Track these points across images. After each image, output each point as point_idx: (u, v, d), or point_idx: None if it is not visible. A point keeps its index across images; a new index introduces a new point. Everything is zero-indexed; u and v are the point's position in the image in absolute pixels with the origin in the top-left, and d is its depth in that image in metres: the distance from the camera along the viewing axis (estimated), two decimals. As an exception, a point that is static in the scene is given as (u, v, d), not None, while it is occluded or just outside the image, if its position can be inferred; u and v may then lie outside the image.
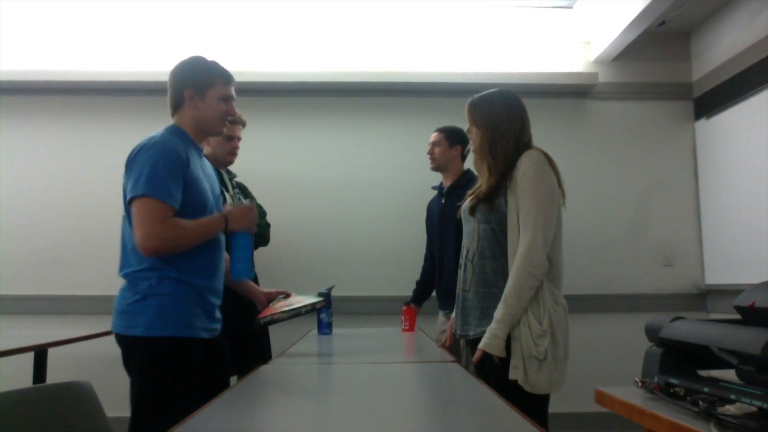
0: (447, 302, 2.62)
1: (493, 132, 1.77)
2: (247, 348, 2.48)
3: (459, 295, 1.86)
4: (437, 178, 2.86)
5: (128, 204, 1.53)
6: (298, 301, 1.92)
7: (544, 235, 1.63)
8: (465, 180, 2.68)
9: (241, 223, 1.68)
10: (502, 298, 1.63)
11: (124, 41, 3.56)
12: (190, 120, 1.67)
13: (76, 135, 3.53)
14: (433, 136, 2.74)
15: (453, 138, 2.70)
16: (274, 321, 1.87)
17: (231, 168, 2.62)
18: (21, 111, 3.53)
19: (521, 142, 1.77)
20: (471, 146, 1.89)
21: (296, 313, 1.89)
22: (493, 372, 1.69)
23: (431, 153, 2.73)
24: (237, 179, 2.68)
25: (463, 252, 1.87)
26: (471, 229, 1.83)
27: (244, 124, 2.54)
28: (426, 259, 2.90)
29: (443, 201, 2.69)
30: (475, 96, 1.87)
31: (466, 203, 1.88)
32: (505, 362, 1.63)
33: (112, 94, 3.55)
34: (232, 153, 2.50)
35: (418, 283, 2.88)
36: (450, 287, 2.57)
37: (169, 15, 3.53)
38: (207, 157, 2.42)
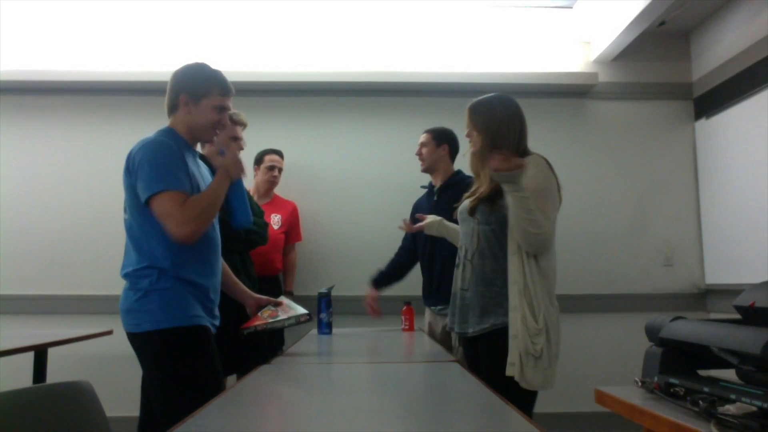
0: (439, 299, 2.63)
1: (493, 136, 1.80)
2: (245, 348, 2.48)
3: (456, 293, 1.89)
4: (437, 177, 2.87)
5: (145, 204, 1.56)
6: (286, 311, 1.91)
7: (552, 232, 1.70)
8: (456, 179, 2.71)
9: (237, 170, 1.73)
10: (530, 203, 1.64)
11: (123, 41, 3.56)
12: (183, 123, 1.71)
13: (76, 135, 3.53)
14: (422, 138, 2.79)
15: (440, 138, 2.74)
16: (257, 332, 1.86)
17: None
18: (21, 111, 3.53)
19: (520, 147, 1.81)
20: (470, 149, 1.90)
21: (280, 326, 1.88)
22: (486, 368, 1.72)
23: (419, 154, 2.77)
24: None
25: (461, 252, 1.90)
26: (470, 229, 1.85)
27: (244, 126, 2.55)
28: (398, 255, 2.90)
29: (435, 199, 2.71)
30: (474, 100, 1.88)
31: (465, 204, 1.90)
32: (499, 359, 1.66)
33: (112, 94, 3.55)
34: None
35: (382, 273, 2.86)
36: (444, 284, 2.57)
37: (170, 15, 3.53)
38: (210, 155, 2.45)
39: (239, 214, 1.82)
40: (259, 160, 3.18)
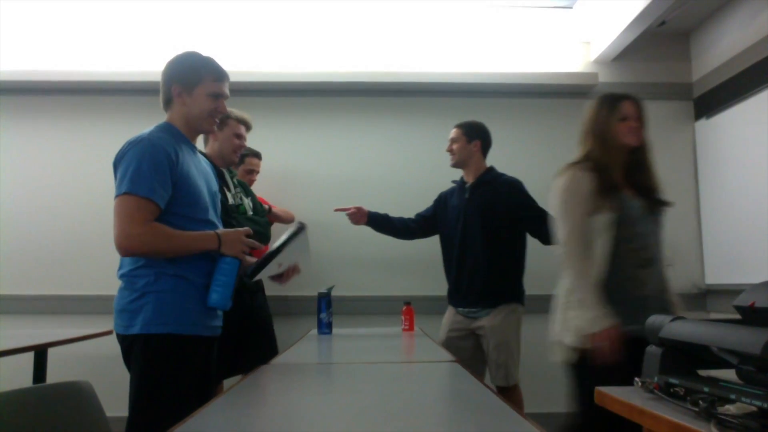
0: (468, 300, 2.59)
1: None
2: (249, 347, 2.48)
3: (653, 296, 1.77)
4: (439, 177, 2.86)
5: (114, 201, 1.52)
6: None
7: None
8: (490, 177, 2.66)
9: (234, 248, 1.62)
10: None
11: (123, 41, 3.56)
12: (179, 116, 1.66)
13: (76, 135, 3.53)
14: (452, 132, 2.72)
15: (471, 133, 2.68)
16: (260, 269, 1.72)
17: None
18: (21, 111, 3.53)
19: None
20: (629, 139, 1.86)
21: (280, 248, 1.76)
22: None
23: (450, 150, 2.71)
24: (238, 177, 2.68)
25: (647, 252, 1.81)
26: (652, 228, 1.89)
27: (249, 128, 2.55)
28: (412, 221, 2.86)
29: (467, 196, 2.65)
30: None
31: (635, 203, 1.85)
32: None
33: (111, 94, 3.54)
34: (237, 151, 2.51)
35: (387, 217, 2.84)
36: (475, 285, 2.55)
37: (169, 15, 3.53)
38: (212, 154, 2.44)
39: (216, 293, 1.59)
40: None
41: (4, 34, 3.52)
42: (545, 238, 2.51)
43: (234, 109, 2.51)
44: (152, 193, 1.48)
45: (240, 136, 2.49)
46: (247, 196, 2.65)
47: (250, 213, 2.57)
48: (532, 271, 3.13)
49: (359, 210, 2.77)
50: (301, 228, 1.72)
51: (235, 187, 2.55)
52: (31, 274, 3.40)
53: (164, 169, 1.52)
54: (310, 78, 3.50)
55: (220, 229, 1.66)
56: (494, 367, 2.52)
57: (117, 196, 1.50)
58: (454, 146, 2.69)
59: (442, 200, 2.82)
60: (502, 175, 2.69)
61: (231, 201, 2.44)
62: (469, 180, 2.69)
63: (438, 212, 2.81)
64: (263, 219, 2.69)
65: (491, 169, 2.70)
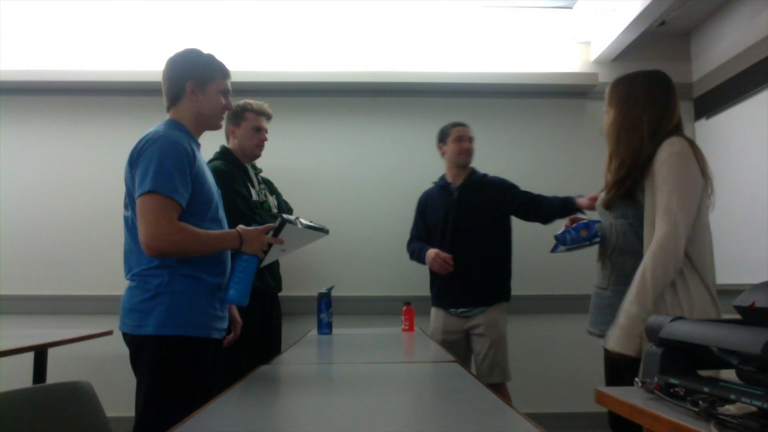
0: (463, 299, 2.60)
1: (624, 114, 1.63)
2: (267, 346, 2.50)
3: (595, 292, 1.79)
4: (436, 177, 2.86)
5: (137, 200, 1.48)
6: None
7: (684, 227, 1.55)
8: (477, 178, 2.70)
9: (255, 246, 1.62)
10: (635, 293, 1.50)
11: (123, 41, 3.56)
12: (189, 113, 1.63)
13: (76, 135, 3.53)
14: (470, 131, 2.72)
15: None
16: (290, 221, 1.70)
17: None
18: (21, 111, 3.53)
19: (661, 129, 1.60)
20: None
21: (308, 226, 1.79)
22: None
23: (471, 148, 2.70)
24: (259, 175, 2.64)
25: (600, 247, 1.79)
26: (607, 224, 1.75)
27: (269, 117, 2.52)
28: (414, 238, 2.82)
29: (456, 197, 2.66)
30: (622, 75, 1.73)
31: (601, 197, 1.77)
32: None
33: (112, 94, 3.54)
34: (260, 145, 2.49)
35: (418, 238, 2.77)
36: (471, 283, 2.56)
37: (170, 15, 3.52)
38: (234, 150, 2.44)
39: (234, 289, 1.61)
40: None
41: (4, 34, 3.51)
42: (545, 217, 2.57)
43: (251, 99, 2.49)
44: (174, 192, 1.46)
45: (260, 129, 2.45)
46: (272, 194, 2.64)
47: (275, 211, 2.58)
48: (531, 272, 3.12)
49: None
50: (282, 222, 1.69)
51: (259, 183, 2.54)
52: (31, 274, 3.40)
53: (184, 167, 1.50)
54: (309, 78, 3.50)
55: (241, 227, 1.65)
56: (489, 364, 2.55)
57: (140, 194, 1.46)
58: (472, 145, 2.71)
59: (425, 203, 2.83)
60: (485, 174, 2.74)
61: (255, 197, 2.43)
62: (456, 181, 2.71)
63: (424, 216, 2.82)
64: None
65: (474, 170, 2.74)
